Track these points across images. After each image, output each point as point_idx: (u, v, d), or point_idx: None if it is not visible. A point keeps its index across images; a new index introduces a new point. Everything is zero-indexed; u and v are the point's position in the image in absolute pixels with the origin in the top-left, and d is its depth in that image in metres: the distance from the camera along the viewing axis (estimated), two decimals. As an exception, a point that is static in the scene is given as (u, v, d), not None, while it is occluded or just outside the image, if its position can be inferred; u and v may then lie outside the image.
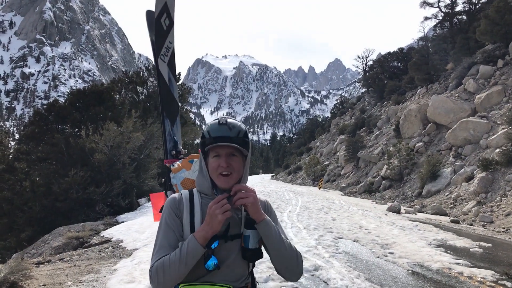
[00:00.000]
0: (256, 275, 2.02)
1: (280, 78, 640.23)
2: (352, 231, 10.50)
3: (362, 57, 60.09)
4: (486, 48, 25.87)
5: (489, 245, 9.00)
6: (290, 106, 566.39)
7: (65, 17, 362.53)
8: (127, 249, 8.74)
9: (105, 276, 6.36)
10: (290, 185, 42.17)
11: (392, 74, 47.15)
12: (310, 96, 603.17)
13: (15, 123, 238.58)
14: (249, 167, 1.92)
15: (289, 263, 1.81)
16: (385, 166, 24.81)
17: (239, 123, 1.83)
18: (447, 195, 17.29)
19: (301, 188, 34.70)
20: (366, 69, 58.16)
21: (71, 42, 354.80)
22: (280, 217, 12.58)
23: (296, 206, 16.42)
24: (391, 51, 50.53)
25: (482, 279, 6.13)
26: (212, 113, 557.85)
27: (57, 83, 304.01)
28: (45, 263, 7.62)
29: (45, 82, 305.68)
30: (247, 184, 1.85)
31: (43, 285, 5.84)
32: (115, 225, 12.72)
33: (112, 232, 11.13)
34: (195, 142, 35.01)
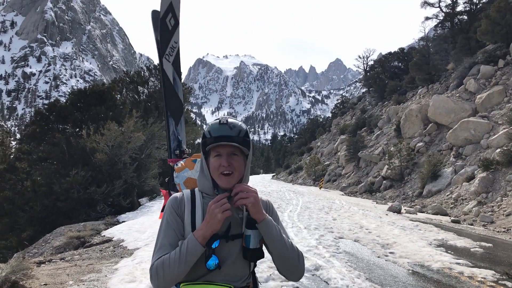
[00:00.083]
0: (257, 275, 2.03)
1: (281, 78, 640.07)
2: (353, 231, 10.50)
3: (363, 57, 60.10)
4: (487, 48, 25.85)
5: (490, 245, 9.00)
6: (291, 106, 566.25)
7: (66, 17, 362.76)
8: (128, 248, 8.76)
9: (106, 276, 6.38)
10: (291, 185, 42.16)
11: (393, 74, 47.13)
12: (311, 96, 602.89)
13: (16, 123, 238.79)
14: (250, 166, 1.93)
15: (291, 263, 1.82)
16: (386, 166, 24.80)
17: (240, 123, 1.83)
18: (447, 195, 17.28)
19: (301, 188, 34.70)
20: (367, 69, 58.14)
21: (72, 42, 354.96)
22: (281, 217, 12.59)
23: (297, 206, 16.42)
24: (392, 51, 50.54)
25: (482, 279, 6.14)
26: (213, 113, 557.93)
27: (58, 83, 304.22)
28: (46, 263, 7.63)
29: (46, 82, 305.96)
30: (248, 184, 1.86)
31: (44, 284, 5.85)
32: (116, 224, 12.73)
33: (113, 232, 11.14)
34: (196, 142, 35.02)
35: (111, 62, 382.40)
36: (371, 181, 26.47)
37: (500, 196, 13.88)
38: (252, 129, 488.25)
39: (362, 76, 63.86)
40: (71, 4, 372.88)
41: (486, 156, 16.94)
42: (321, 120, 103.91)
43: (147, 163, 20.08)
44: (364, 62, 59.55)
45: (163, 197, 3.44)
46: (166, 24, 3.41)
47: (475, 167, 17.20)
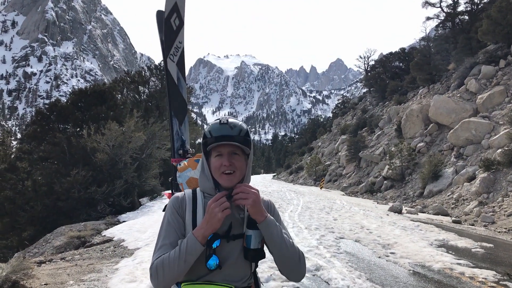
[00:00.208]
0: (258, 275, 2.02)
1: (282, 78, 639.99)
2: (354, 231, 10.49)
3: (364, 57, 60.09)
4: (488, 48, 25.83)
5: (491, 245, 8.99)
6: (291, 106, 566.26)
7: (67, 16, 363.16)
8: (129, 248, 8.76)
9: (106, 276, 6.38)
10: (292, 185, 42.16)
11: (394, 74, 47.11)
12: (311, 96, 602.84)
13: (17, 123, 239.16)
14: (251, 166, 1.93)
15: (292, 264, 1.81)
16: (387, 166, 24.79)
17: (240, 122, 1.83)
18: (448, 196, 17.26)
19: (302, 188, 34.70)
20: (368, 69, 58.13)
21: (73, 42, 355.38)
22: (282, 217, 12.50)
23: (297, 206, 16.42)
24: (393, 51, 50.52)
25: (483, 280, 6.13)
26: (213, 112, 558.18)
27: (59, 82, 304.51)
28: (46, 262, 7.63)
29: (47, 82, 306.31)
30: (250, 184, 1.86)
31: (44, 284, 5.85)
32: (116, 224, 12.74)
33: (113, 232, 11.15)
34: (197, 141, 35.05)
35: (112, 62, 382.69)
36: (372, 181, 26.46)
37: (501, 197, 13.85)
38: (253, 129, 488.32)
39: (363, 76, 63.83)
40: (72, 3, 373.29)
41: (487, 156, 16.92)
42: (322, 120, 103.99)
43: (148, 163, 20.09)
44: (365, 62, 59.57)
45: (164, 197, 3.44)
46: (170, 24, 3.41)
47: (476, 167, 17.17)
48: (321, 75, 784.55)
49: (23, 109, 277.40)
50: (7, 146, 20.73)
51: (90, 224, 12.41)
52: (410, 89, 37.35)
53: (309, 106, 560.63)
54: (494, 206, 13.58)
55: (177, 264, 1.66)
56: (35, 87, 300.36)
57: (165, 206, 1.91)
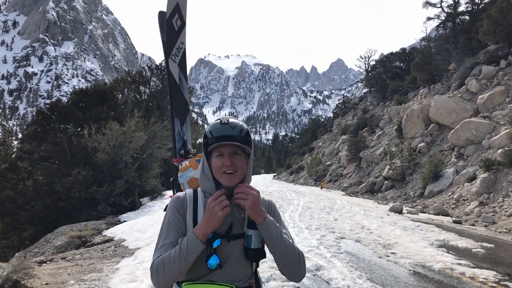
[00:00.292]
0: (259, 275, 2.03)
1: (282, 78, 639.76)
2: (354, 231, 10.50)
3: (365, 57, 60.10)
4: (489, 49, 25.82)
5: (491, 245, 8.98)
6: (292, 106, 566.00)
7: (68, 16, 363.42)
8: (129, 248, 8.77)
9: (107, 275, 6.38)
10: (292, 185, 42.15)
11: (395, 74, 47.10)
12: (312, 96, 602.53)
13: (18, 123, 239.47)
14: (252, 166, 1.94)
15: (291, 264, 1.81)
16: (387, 166, 24.78)
17: (241, 122, 1.84)
18: (449, 196, 17.26)
19: (303, 188, 34.69)
20: (369, 69, 58.12)
21: (74, 42, 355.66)
22: (282, 217, 12.52)
23: (298, 206, 16.42)
24: (394, 51, 50.55)
25: (484, 280, 6.13)
26: (214, 112, 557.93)
27: (60, 82, 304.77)
28: (47, 262, 7.64)
29: (48, 82, 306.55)
30: (250, 183, 1.87)
31: (45, 284, 5.86)
32: (117, 224, 12.75)
33: (114, 232, 11.16)
34: (198, 141, 35.06)
35: (112, 62, 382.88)
36: (372, 181, 26.45)
37: (502, 197, 13.85)
38: (254, 129, 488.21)
39: (363, 76, 63.82)
40: (73, 4, 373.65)
41: (487, 156, 16.91)
42: (322, 120, 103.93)
43: (149, 162, 20.10)
44: (366, 62, 59.56)
45: (165, 197, 3.46)
46: (172, 25, 3.42)
47: (476, 167, 17.16)
48: (321, 75, 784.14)
49: (24, 109, 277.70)
50: (8, 146, 20.75)
51: (90, 224, 12.42)
52: (410, 89, 37.33)
53: (310, 106, 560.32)
54: (494, 206, 13.57)
55: (178, 263, 1.66)
56: (36, 87, 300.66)
57: (166, 206, 1.92)
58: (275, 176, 68.41)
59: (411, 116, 26.62)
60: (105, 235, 10.81)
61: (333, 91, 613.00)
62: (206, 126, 1.95)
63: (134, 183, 18.20)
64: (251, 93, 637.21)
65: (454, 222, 13.41)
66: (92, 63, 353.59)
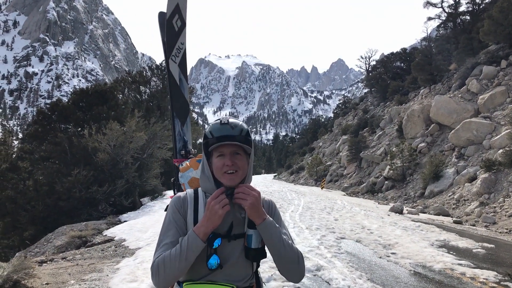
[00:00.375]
0: (260, 275, 2.03)
1: (283, 78, 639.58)
2: (355, 231, 10.49)
3: (365, 57, 60.07)
4: (490, 49, 25.80)
5: (492, 246, 8.98)
6: (292, 106, 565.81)
7: (68, 16, 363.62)
8: (130, 248, 8.77)
9: (107, 275, 6.38)
10: (293, 185, 42.15)
11: (395, 75, 47.09)
12: (312, 96, 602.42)
13: (18, 122, 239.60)
14: (252, 165, 1.94)
15: (290, 265, 1.82)
16: (388, 167, 24.77)
17: (241, 122, 1.85)
18: (449, 196, 17.25)
19: (303, 188, 34.69)
20: (369, 69, 58.11)
21: (74, 42, 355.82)
22: (283, 217, 12.54)
23: (298, 206, 16.41)
24: (394, 51, 50.52)
25: (484, 280, 6.12)
26: (214, 113, 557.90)
27: (60, 82, 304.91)
28: (48, 262, 7.65)
29: (49, 82, 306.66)
30: (251, 184, 1.87)
31: (46, 283, 5.86)
32: (117, 224, 12.75)
33: (114, 231, 11.16)
34: (198, 141, 35.07)
35: (113, 62, 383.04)
36: (373, 181, 26.44)
37: (502, 197, 13.84)
38: (254, 129, 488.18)
39: (364, 76, 63.81)
40: (74, 3, 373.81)
41: (488, 156, 16.90)
42: (323, 120, 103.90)
43: (149, 162, 20.11)
44: (366, 62, 59.54)
45: (165, 197, 3.47)
46: (172, 25, 3.43)
47: (477, 167, 17.15)
48: (322, 75, 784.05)
49: (24, 109, 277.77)
50: (8, 145, 20.77)
51: (91, 224, 12.42)
52: (411, 89, 37.32)
53: (310, 106, 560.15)
54: (495, 207, 13.57)
55: (178, 261, 1.66)
56: (36, 87, 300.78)
57: (167, 206, 1.92)
58: (275, 176, 68.41)
59: (412, 116, 26.60)
60: (106, 235, 10.81)
61: (333, 91, 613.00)
62: (206, 126, 1.95)
63: (134, 183, 18.21)
64: (252, 93, 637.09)
65: (455, 222, 13.40)
66: (92, 63, 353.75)
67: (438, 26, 36.77)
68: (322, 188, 32.76)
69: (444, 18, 35.27)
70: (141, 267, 6.69)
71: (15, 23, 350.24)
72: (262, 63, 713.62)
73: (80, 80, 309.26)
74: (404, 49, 48.96)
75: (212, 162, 1.84)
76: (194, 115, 51.65)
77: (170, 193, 20.10)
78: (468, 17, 33.32)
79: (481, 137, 18.93)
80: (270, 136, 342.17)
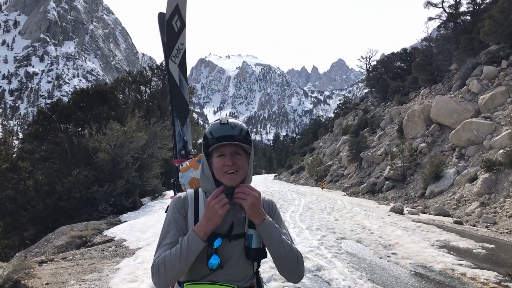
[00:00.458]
0: (261, 275, 2.03)
1: (283, 78, 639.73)
2: (355, 232, 10.48)
3: (366, 57, 60.09)
4: (490, 49, 25.79)
5: (493, 246, 8.97)
6: (293, 106, 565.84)
7: (69, 16, 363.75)
8: (130, 248, 8.77)
9: (107, 275, 6.38)
10: (293, 185, 42.16)
11: (396, 75, 47.10)
12: (313, 96, 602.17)
13: (19, 122, 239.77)
14: (252, 165, 1.94)
15: (289, 265, 1.81)
16: (388, 167, 24.77)
17: (240, 122, 1.85)
18: (450, 196, 17.24)
19: (303, 188, 34.69)
20: (370, 69, 58.11)
21: (75, 42, 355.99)
22: (283, 217, 12.56)
23: (298, 206, 16.41)
24: (395, 52, 50.55)
25: (485, 280, 6.11)
26: (215, 113, 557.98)
27: (60, 82, 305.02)
28: (48, 262, 7.64)
29: (49, 82, 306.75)
30: (251, 184, 1.87)
31: (46, 283, 5.86)
32: (118, 224, 12.75)
33: (115, 232, 11.16)
34: (198, 141, 35.06)
35: (113, 62, 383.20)
36: (373, 181, 26.43)
37: (503, 197, 13.83)
38: (254, 129, 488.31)
39: (364, 76, 63.81)
40: (74, 3, 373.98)
41: (489, 157, 16.89)
42: (323, 120, 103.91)
43: (149, 163, 20.11)
44: (367, 62, 59.57)
45: (166, 198, 3.47)
46: (172, 26, 3.43)
47: (477, 168, 17.14)
48: (322, 75, 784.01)
49: (25, 108, 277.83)
50: (9, 145, 20.75)
51: (91, 224, 12.42)
52: (411, 89, 37.32)
53: (311, 106, 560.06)
54: (495, 207, 13.56)
55: (178, 261, 1.66)
56: (37, 86, 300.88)
57: (167, 207, 1.92)
58: (276, 176, 68.43)
59: (412, 116, 26.59)
60: (106, 235, 10.81)
61: (334, 91, 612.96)
62: (206, 127, 1.95)
63: (134, 183, 18.21)
64: (252, 93, 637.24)
65: (455, 222, 13.39)
66: (93, 63, 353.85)
67: (439, 26, 36.76)
68: (322, 188, 32.76)
69: (444, 18, 35.28)
70: (141, 267, 6.69)
71: (16, 23, 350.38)
72: (262, 63, 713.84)
73: (80, 80, 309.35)
74: (404, 49, 48.98)
75: (212, 163, 1.84)
76: (195, 115, 51.67)
77: (170, 193, 20.08)
78: (468, 17, 33.32)
79: (482, 137, 18.92)
80: (271, 136, 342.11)
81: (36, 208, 15.94)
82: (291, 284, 5.59)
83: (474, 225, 12.90)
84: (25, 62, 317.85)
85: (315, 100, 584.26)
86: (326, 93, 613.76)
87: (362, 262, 7.26)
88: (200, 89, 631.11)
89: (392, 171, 23.92)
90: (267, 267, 6.27)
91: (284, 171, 67.42)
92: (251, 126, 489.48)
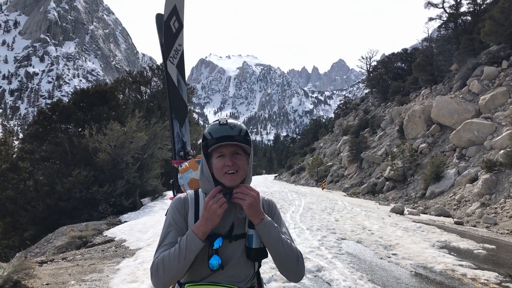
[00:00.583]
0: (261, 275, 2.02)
1: (284, 79, 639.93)
2: (355, 232, 10.48)
3: (366, 57, 60.14)
4: (491, 49, 25.77)
5: (493, 247, 8.96)
6: (293, 107, 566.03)
7: (69, 16, 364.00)
8: (130, 248, 8.77)
9: (108, 276, 6.38)
10: (293, 185, 42.16)
11: (396, 75, 47.07)
12: (313, 97, 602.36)
13: (19, 123, 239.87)
14: (252, 166, 1.93)
15: (290, 265, 1.81)
16: (389, 167, 24.75)
17: (239, 122, 1.85)
18: (450, 197, 17.23)
19: (304, 188, 34.69)
20: (370, 69, 58.12)
21: (75, 42, 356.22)
22: (283, 217, 12.53)
23: (299, 207, 16.41)
24: (395, 52, 50.50)
25: (485, 281, 6.10)
26: (215, 113, 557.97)
27: (61, 82, 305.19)
28: (48, 262, 7.64)
29: (49, 82, 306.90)
30: (251, 184, 1.87)
31: (46, 284, 5.85)
32: (118, 224, 12.75)
33: (115, 232, 11.16)
34: (199, 142, 35.05)
35: (113, 62, 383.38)
36: (373, 182, 26.42)
37: (504, 198, 13.82)
38: (255, 130, 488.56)
39: (365, 76, 63.81)
40: (74, 4, 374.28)
41: (489, 157, 16.87)
42: (323, 120, 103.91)
43: (150, 163, 20.11)
44: (367, 62, 59.61)
45: (166, 198, 3.46)
46: (170, 27, 3.43)
47: (478, 168, 17.13)
48: (323, 75, 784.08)
49: (25, 109, 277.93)
50: (9, 146, 20.75)
51: (91, 224, 12.42)
52: (412, 89, 37.30)
53: (311, 106, 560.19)
54: (496, 208, 13.55)
55: (177, 261, 1.66)
56: (37, 87, 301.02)
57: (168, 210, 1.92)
58: (276, 176, 68.43)
59: (413, 116, 26.58)
60: (106, 236, 10.81)
61: (334, 91, 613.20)
62: (206, 127, 1.95)
63: (135, 184, 18.20)
64: (253, 94, 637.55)
65: (456, 223, 13.38)
66: (93, 63, 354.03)
67: (439, 27, 36.74)
68: (323, 189, 32.76)
69: (445, 19, 35.26)
70: (141, 268, 6.68)
71: (16, 23, 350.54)
72: (263, 63, 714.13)
73: (80, 80, 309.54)
74: (405, 50, 48.96)
75: (211, 163, 1.84)
76: (195, 116, 51.68)
77: (170, 193, 20.11)
78: (469, 18, 33.30)
79: (482, 138, 18.90)
80: (271, 137, 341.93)
81: (36, 209, 15.94)
82: (291, 284, 5.59)
83: (475, 226, 12.89)
84: (25, 62, 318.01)
85: (316, 101, 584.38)
86: (327, 93, 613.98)
87: (363, 263, 7.25)
88: (201, 90, 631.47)
89: (392, 172, 23.91)
90: (267, 268, 6.26)
91: (284, 171, 67.42)
92: (251, 127, 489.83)
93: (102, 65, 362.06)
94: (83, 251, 9.00)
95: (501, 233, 11.32)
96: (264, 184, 38.20)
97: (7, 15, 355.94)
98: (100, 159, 16.68)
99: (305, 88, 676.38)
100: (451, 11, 34.56)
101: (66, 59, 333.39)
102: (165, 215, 1.92)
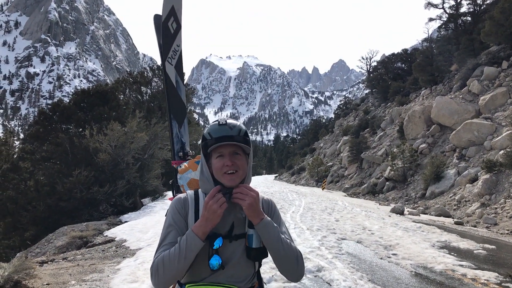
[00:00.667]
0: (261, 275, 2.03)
1: (284, 79, 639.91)
2: (355, 232, 10.48)
3: (366, 58, 60.14)
4: (491, 50, 25.77)
5: (493, 247, 8.96)
6: (293, 107, 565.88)
7: (70, 17, 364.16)
8: (131, 248, 8.77)
9: (108, 276, 6.39)
10: (294, 185, 42.15)
11: (396, 75, 47.06)
12: (313, 97, 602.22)
13: (20, 123, 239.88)
14: (252, 166, 1.94)
15: (289, 265, 1.81)
16: (389, 167, 24.75)
17: (238, 123, 1.85)
18: (451, 197, 17.23)
19: (304, 189, 34.68)
20: (370, 70, 58.10)
21: (76, 42, 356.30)
22: (283, 218, 12.57)
23: (299, 207, 16.41)
24: (395, 52, 50.47)
25: (485, 281, 6.11)
26: (216, 113, 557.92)
27: (61, 83, 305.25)
28: (48, 262, 7.65)
29: (50, 82, 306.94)
30: (250, 184, 1.88)
31: (46, 284, 5.86)
32: (118, 224, 12.76)
33: (115, 232, 11.17)
34: (199, 142, 35.07)
35: (114, 63, 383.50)
36: (374, 182, 26.42)
37: (504, 198, 13.82)
38: (255, 130, 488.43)
39: (365, 77, 63.80)
40: (75, 4, 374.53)
41: (489, 157, 16.87)
42: (324, 121, 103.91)
43: (150, 163, 20.12)
44: (367, 63, 59.60)
45: (165, 198, 3.47)
46: (168, 28, 3.44)
47: (478, 168, 17.13)
48: (323, 76, 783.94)
49: (25, 109, 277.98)
50: (9, 146, 20.78)
51: (92, 224, 12.43)
52: (412, 90, 37.29)
53: (311, 107, 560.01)
54: (496, 208, 13.55)
55: (177, 261, 1.66)
56: (37, 87, 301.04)
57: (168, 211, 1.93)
58: (276, 177, 68.41)
59: (413, 117, 26.58)
60: (106, 236, 10.82)
61: (334, 92, 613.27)
62: (205, 127, 1.96)
63: (135, 184, 18.22)
64: (253, 94, 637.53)
65: (456, 223, 13.38)
66: (93, 64, 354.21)
67: (439, 27, 36.73)
68: (323, 189, 32.76)
69: (445, 19, 35.25)
70: (142, 268, 6.69)
71: (17, 24, 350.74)
72: (263, 63, 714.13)
73: (81, 80, 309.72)
74: (405, 50, 48.94)
75: (211, 163, 1.84)
76: (195, 116, 51.69)
77: (171, 194, 20.12)
78: (469, 18, 33.30)
79: (482, 138, 18.91)
80: (271, 137, 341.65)
81: (37, 209, 15.95)
82: (291, 284, 5.60)
83: (475, 226, 12.89)
84: (26, 63, 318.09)
85: (316, 101, 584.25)
86: (327, 93, 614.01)
87: (363, 263, 7.26)
88: (201, 90, 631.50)
89: (392, 172, 23.91)
90: (267, 268, 6.27)
91: (284, 171, 67.40)
92: (251, 127, 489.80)
93: (102, 66, 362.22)
94: (84, 251, 9.01)
95: (501, 233, 11.32)
96: (264, 184, 38.21)
97: (8, 15, 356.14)
98: (100, 159, 16.69)
99: (305, 89, 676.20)
100: (451, 12, 34.56)
101: (66, 59, 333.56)
102: (165, 215, 1.93)
